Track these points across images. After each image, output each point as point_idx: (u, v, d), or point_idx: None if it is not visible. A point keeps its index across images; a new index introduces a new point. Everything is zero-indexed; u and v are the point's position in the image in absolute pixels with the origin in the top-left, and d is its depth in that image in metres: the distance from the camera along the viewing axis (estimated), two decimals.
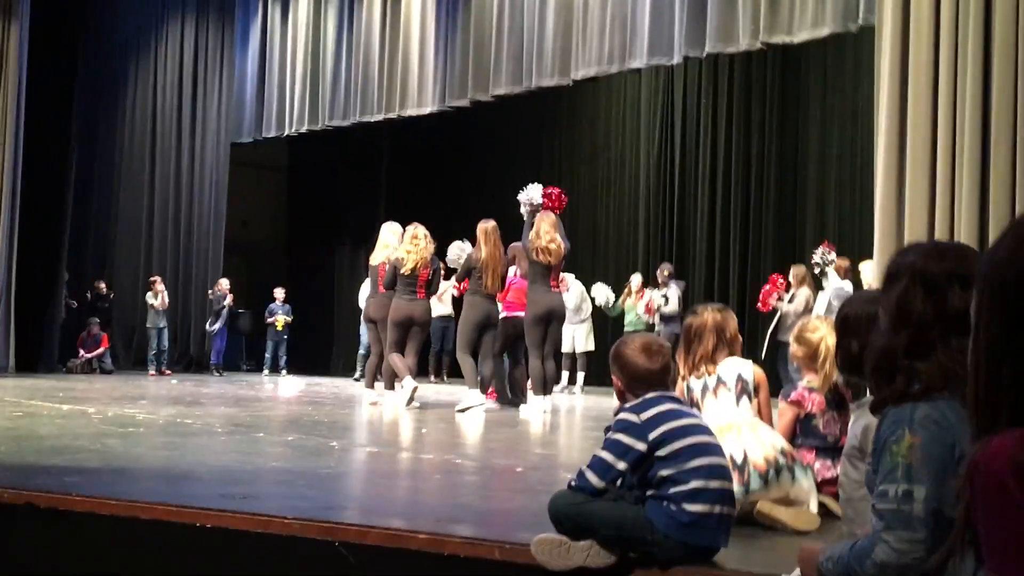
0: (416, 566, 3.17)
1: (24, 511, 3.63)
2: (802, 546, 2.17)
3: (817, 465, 3.78)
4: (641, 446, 2.87)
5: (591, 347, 12.95)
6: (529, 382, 9.05)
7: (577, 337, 12.84)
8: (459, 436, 7.05)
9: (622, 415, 2.96)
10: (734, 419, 3.67)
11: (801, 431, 3.96)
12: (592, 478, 2.92)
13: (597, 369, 12.93)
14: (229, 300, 15.22)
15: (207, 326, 15.31)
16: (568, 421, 8.66)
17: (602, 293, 12.87)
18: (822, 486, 3.68)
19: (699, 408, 3.71)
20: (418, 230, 9.25)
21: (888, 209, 6.41)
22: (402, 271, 9.07)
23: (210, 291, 15.34)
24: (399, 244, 9.40)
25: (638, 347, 3.07)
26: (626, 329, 12.13)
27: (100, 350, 14.29)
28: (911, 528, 1.97)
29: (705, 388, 3.82)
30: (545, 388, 8.85)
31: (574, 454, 6.03)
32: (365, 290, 14.31)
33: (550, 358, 9.04)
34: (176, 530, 3.46)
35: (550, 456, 6.16)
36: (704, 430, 2.99)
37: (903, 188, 6.43)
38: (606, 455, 2.91)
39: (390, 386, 9.23)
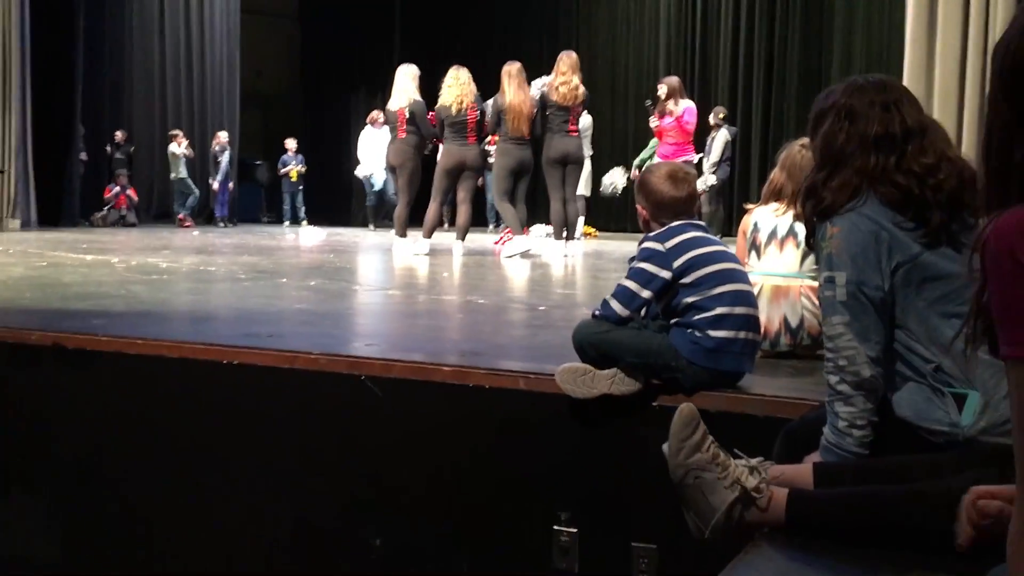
0: (441, 398, 3.19)
1: (52, 352, 3.65)
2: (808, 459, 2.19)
3: None
4: (666, 274, 2.84)
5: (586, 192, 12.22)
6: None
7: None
8: (481, 279, 7.06)
9: (647, 243, 2.91)
10: (793, 281, 3.50)
11: None
12: (616, 306, 2.89)
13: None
14: (227, 155, 14.99)
15: (210, 180, 15.18)
16: (587, 264, 8.63)
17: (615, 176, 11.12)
18: None
19: (758, 250, 3.58)
20: (459, 72, 8.85)
21: (919, 37, 6.17)
22: (447, 115, 8.71)
23: (215, 144, 15.13)
24: (415, 87, 9.11)
25: (664, 175, 3.01)
26: None
27: (129, 202, 14.22)
28: (837, 312, 2.08)
29: (773, 234, 3.55)
30: (564, 231, 8.88)
31: (597, 294, 6.02)
32: (366, 139, 14.29)
33: (572, 201, 9.02)
34: (203, 368, 3.48)
35: (572, 296, 6.16)
36: (729, 257, 2.94)
37: (935, 13, 6.19)
38: (631, 284, 2.89)
39: (402, 233, 9.14)
